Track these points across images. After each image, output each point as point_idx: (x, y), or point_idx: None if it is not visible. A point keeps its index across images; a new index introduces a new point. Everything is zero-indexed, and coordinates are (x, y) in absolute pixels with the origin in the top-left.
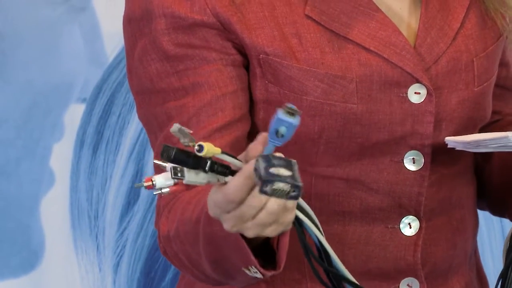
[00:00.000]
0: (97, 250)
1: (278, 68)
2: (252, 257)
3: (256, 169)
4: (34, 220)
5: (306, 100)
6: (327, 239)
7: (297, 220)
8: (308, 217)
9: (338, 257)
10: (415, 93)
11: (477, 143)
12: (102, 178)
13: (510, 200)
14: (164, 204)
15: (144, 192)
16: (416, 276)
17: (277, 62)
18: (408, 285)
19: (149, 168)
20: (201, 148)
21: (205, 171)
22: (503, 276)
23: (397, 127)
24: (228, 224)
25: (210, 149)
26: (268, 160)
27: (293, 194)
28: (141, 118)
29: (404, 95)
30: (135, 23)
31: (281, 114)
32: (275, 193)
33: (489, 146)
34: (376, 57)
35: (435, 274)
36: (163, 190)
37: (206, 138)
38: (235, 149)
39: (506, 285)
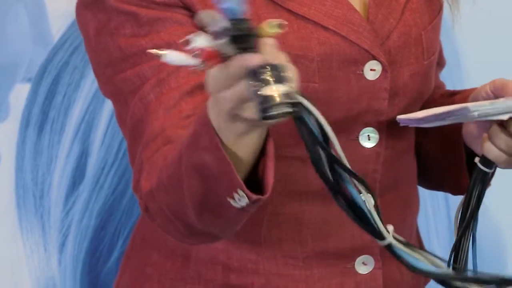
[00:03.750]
0: (43, 230)
1: None
2: (238, 178)
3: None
4: None
5: None
6: (284, 219)
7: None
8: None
9: (295, 237)
10: (370, 69)
11: (433, 117)
12: (47, 158)
13: (449, 173)
14: (146, 159)
15: (89, 172)
16: (371, 253)
17: None
18: (363, 263)
19: (95, 148)
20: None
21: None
22: (455, 248)
23: (354, 105)
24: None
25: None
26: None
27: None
28: (108, 91)
29: (361, 72)
30: (92, 5)
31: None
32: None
33: (447, 119)
34: (334, 36)
35: None
36: (197, 46)
37: (188, 94)
38: None
39: (459, 257)
